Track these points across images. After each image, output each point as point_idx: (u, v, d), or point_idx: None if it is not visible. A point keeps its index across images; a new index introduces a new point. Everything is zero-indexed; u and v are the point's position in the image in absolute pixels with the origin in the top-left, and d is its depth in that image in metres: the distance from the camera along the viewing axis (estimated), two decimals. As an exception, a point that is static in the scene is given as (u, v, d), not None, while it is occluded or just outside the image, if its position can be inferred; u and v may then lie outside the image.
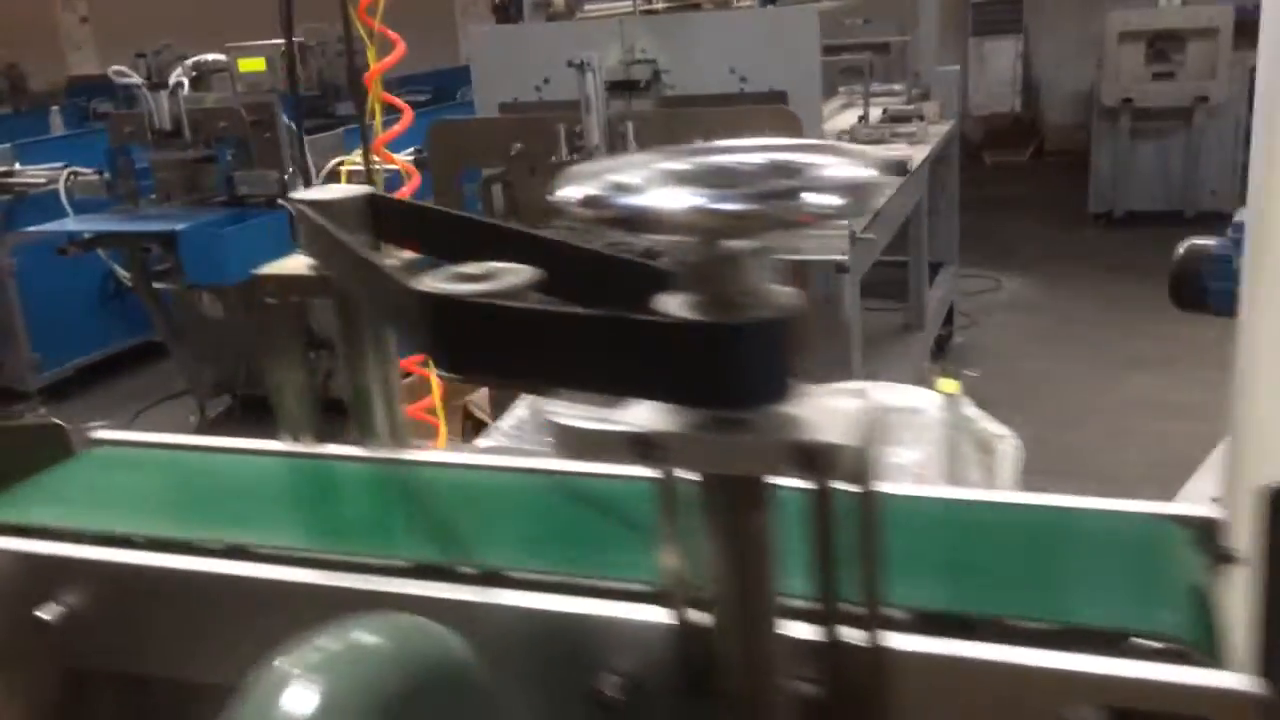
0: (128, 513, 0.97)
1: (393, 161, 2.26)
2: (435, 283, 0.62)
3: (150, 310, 5.07)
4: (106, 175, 4.96)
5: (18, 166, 5.57)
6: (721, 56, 3.18)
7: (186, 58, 6.22)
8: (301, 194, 0.98)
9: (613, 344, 0.55)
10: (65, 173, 4.98)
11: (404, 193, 2.29)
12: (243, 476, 1.07)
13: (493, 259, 0.68)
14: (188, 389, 5.61)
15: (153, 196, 4.99)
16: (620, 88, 3.11)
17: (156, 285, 4.99)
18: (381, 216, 0.97)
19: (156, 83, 4.72)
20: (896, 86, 5.92)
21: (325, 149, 4.98)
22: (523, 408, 1.88)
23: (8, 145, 5.64)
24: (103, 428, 1.15)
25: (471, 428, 3.86)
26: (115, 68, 5.00)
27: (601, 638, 0.67)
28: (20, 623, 0.85)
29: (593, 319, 0.55)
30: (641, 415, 0.57)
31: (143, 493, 1.03)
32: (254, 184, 4.71)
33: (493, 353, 0.59)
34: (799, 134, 3.11)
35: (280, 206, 4.73)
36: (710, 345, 0.53)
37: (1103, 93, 7.77)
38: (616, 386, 0.56)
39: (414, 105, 7.64)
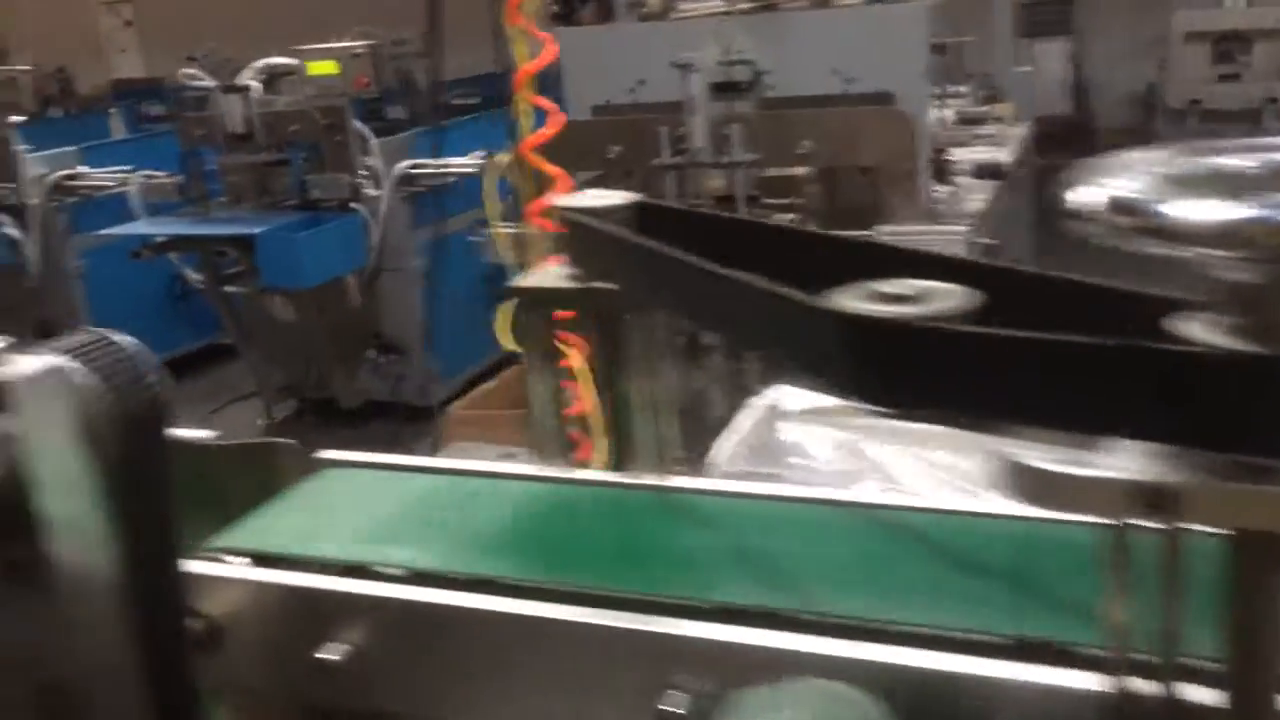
0: (388, 542, 0.91)
1: (543, 166, 2.19)
2: (857, 304, 0.56)
3: (221, 313, 5.05)
4: (178, 178, 4.95)
5: (81, 169, 5.56)
6: (824, 56, 3.11)
7: (231, 60, 6.22)
8: (568, 201, 0.91)
9: (1114, 376, 0.48)
10: (137, 176, 4.96)
11: (547, 199, 2.23)
12: (495, 501, 1.00)
13: (780, 267, 0.62)
14: (255, 391, 5.60)
15: (222, 200, 4.97)
16: (720, 89, 3.04)
17: (227, 288, 4.98)
18: (651, 223, 0.90)
19: (229, 85, 4.70)
20: (961, 88, 5.83)
21: (393, 152, 4.95)
22: (743, 428, 1.80)
23: (73, 148, 5.64)
24: (325, 450, 1.09)
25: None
26: (186, 70, 4.99)
27: (1011, 702, 0.60)
28: (296, 661, 0.79)
29: (1094, 347, 0.49)
30: (1124, 460, 0.50)
31: (394, 520, 0.96)
32: (326, 187, 4.68)
33: (943, 385, 0.53)
34: (911, 137, 3.04)
35: (352, 210, 4.70)
36: (1258, 380, 0.46)
37: (1169, 94, 7.64)
38: (1106, 425, 0.49)
39: (465, 109, 7.63)
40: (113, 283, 5.65)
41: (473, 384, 5.46)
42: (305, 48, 5.20)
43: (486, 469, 1.05)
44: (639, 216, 0.91)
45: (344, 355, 5.06)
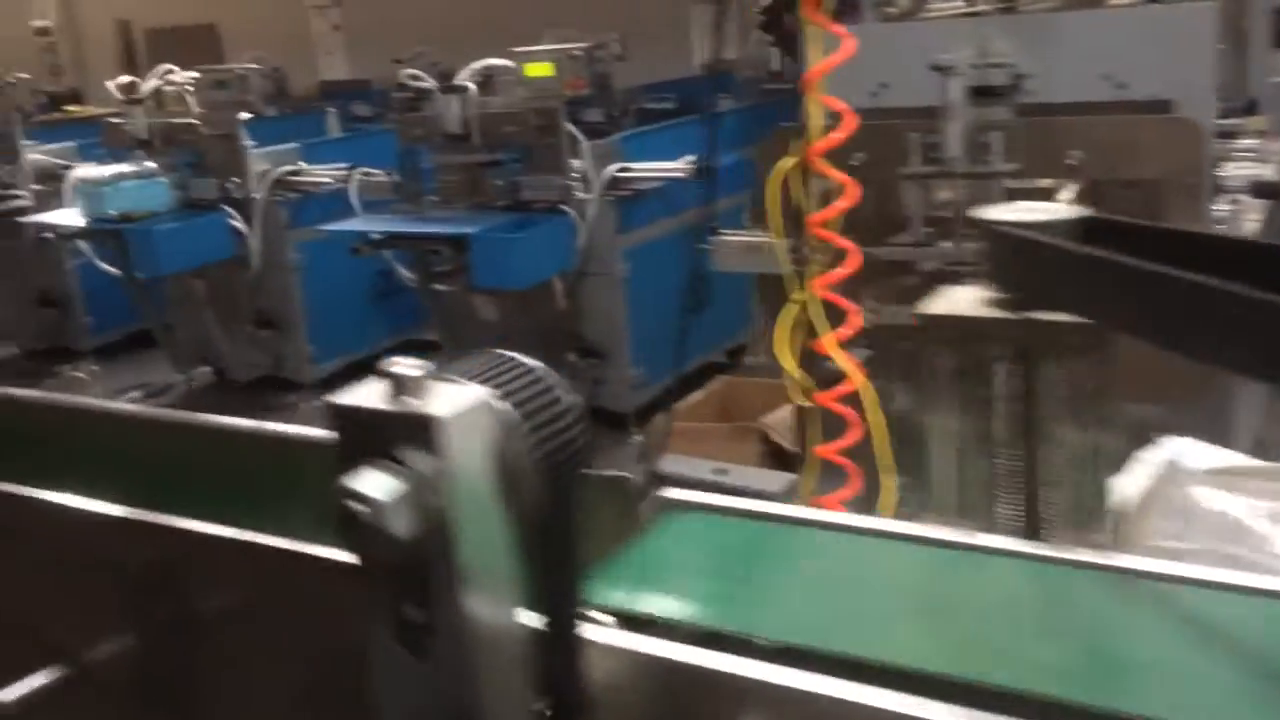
0: (757, 607, 0.78)
1: (831, 173, 2.06)
2: None
3: (430, 310, 5.10)
4: (394, 176, 5.03)
5: (302, 166, 5.74)
6: (1094, 60, 2.87)
7: (438, 63, 6.31)
8: (997, 213, 0.77)
9: None
10: (356, 173, 5.07)
11: (837, 208, 2.09)
12: (870, 560, 0.85)
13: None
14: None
15: (433, 198, 5.03)
16: (976, 94, 2.84)
17: (435, 286, 5.03)
18: (1101, 237, 0.74)
19: (449, 86, 4.75)
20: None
21: (602, 155, 4.90)
22: (1140, 486, 1.60)
23: (294, 145, 5.82)
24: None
25: (769, 454, 3.66)
26: (408, 71, 5.07)
27: None
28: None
29: None
30: None
31: (759, 580, 0.83)
32: (539, 189, 4.67)
33: None
34: (1198, 149, 2.76)
35: (561, 212, 4.67)
36: None
37: None
38: None
39: (661, 114, 7.57)
40: (324, 277, 5.82)
41: (668, 393, 5.38)
42: (521, 50, 5.21)
43: (850, 523, 0.90)
44: (1083, 230, 0.76)
45: (544, 357, 5.03)
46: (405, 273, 5.09)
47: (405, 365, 0.64)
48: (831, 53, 1.97)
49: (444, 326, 5.14)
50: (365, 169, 5.11)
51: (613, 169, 4.79)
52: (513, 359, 0.64)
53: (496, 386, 0.60)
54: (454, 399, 0.57)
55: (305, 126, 6.75)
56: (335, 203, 5.84)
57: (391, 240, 4.71)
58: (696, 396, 4.00)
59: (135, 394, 6.22)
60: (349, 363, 6.12)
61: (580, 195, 4.73)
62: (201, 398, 6.17)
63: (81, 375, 6.58)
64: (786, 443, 3.62)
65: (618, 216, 4.86)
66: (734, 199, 5.73)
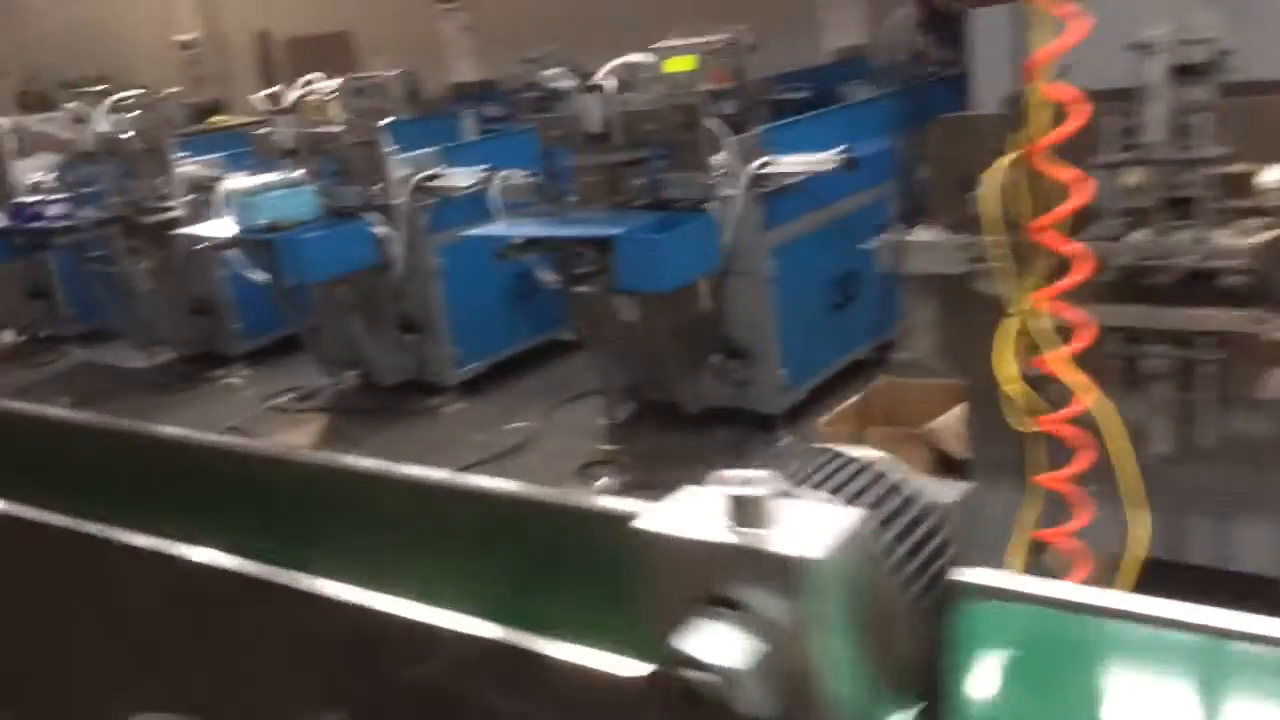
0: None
1: (1058, 172, 1.88)
2: None
3: (572, 312, 5.04)
4: (535, 178, 4.99)
5: (441, 170, 5.75)
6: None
7: (567, 62, 6.23)
8: None
9: None
10: (497, 177, 5.04)
11: (1066, 210, 1.91)
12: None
13: None
14: (596, 390, 5.60)
15: (572, 199, 4.96)
16: (1177, 73, 2.59)
17: (578, 289, 4.96)
18: None
19: (588, 85, 4.66)
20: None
21: (745, 150, 4.76)
22: None
23: (434, 149, 5.84)
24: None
25: (937, 462, 3.47)
26: (548, 71, 5.01)
27: None
28: None
29: None
30: None
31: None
32: (683, 187, 4.55)
33: None
34: None
35: (704, 210, 4.54)
36: None
37: None
38: None
39: (794, 105, 7.35)
40: (465, 279, 5.83)
41: (816, 394, 5.21)
42: (660, 45, 5.10)
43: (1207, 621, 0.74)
44: None
45: (688, 358, 4.93)
46: (547, 275, 5.03)
47: (744, 481, 0.51)
48: (1060, 36, 1.79)
49: (585, 328, 5.07)
50: (507, 171, 5.07)
51: (756, 164, 4.64)
52: (855, 460, 0.51)
53: (849, 500, 0.47)
54: (814, 526, 0.45)
55: (440, 130, 6.79)
56: (472, 206, 5.84)
57: (537, 243, 4.65)
58: (855, 400, 3.83)
59: (287, 398, 6.36)
60: (491, 364, 6.14)
61: (724, 192, 4.59)
62: (349, 400, 6.27)
63: (236, 380, 6.77)
64: (955, 450, 3.42)
65: (763, 213, 4.71)
66: (878, 190, 5.52)
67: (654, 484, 4.75)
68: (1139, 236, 2.61)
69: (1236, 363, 2.54)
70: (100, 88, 8.37)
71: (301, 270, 5.10)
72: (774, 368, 4.85)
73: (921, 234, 2.78)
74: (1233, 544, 2.82)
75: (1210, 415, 2.59)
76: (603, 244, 4.36)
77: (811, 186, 4.87)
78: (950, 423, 3.48)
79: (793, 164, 4.66)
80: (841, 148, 4.61)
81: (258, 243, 5.26)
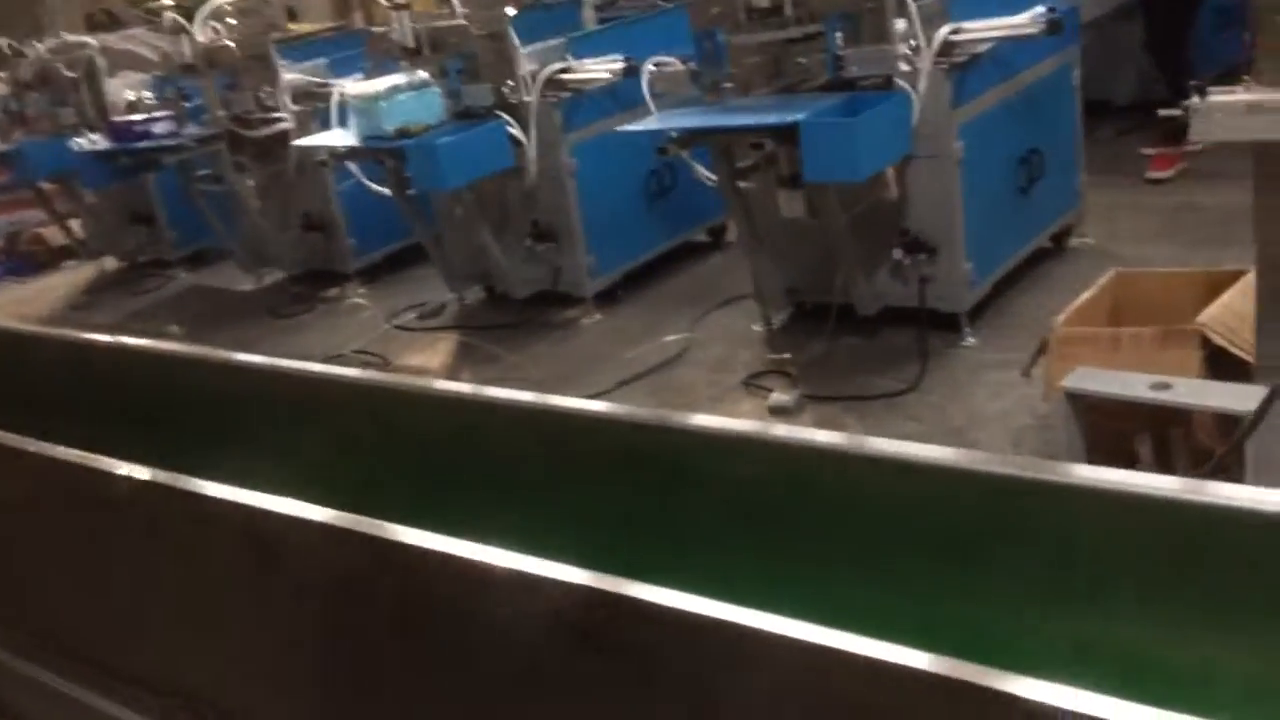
0: None
1: None
2: None
3: (734, 211, 4.63)
4: (688, 64, 4.53)
5: (572, 62, 5.30)
6: None
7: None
8: None
9: None
10: (647, 64, 4.60)
11: None
12: None
13: None
14: (743, 294, 5.22)
15: (728, 85, 4.51)
16: None
17: (740, 184, 4.55)
18: None
19: (751, -48, 4.17)
20: None
21: (931, 17, 4.25)
22: None
23: (560, 41, 5.39)
24: None
25: (1207, 361, 3.04)
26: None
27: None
28: None
29: None
30: None
31: None
32: (869, 62, 4.07)
33: None
34: None
35: (895, 88, 4.07)
36: None
37: None
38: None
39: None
40: (598, 182, 5.43)
41: (998, 289, 4.77)
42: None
43: None
44: None
45: (865, 255, 4.50)
46: (704, 171, 4.61)
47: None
48: None
49: (749, 228, 4.65)
50: (661, 58, 4.62)
51: (945, 31, 4.14)
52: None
53: None
54: None
55: (559, 19, 6.30)
56: (609, 100, 5.41)
57: (701, 135, 4.22)
58: (1089, 295, 3.39)
59: (411, 315, 6.06)
60: (626, 272, 5.77)
61: (907, 67, 4.11)
62: (478, 316, 5.95)
63: (356, 300, 6.48)
64: (1239, 347, 2.99)
65: (952, 88, 4.22)
66: (1062, 55, 4.98)
67: (835, 395, 4.39)
68: None
69: None
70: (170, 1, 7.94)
71: (440, 176, 4.73)
72: (960, 261, 4.42)
73: (1241, 95, 2.33)
74: None
75: None
76: (783, 132, 3.92)
77: (1000, 55, 4.36)
78: (1221, 315, 3.05)
79: (987, 29, 4.15)
80: (1042, 8, 4.09)
81: (387, 151, 4.89)
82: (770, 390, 4.47)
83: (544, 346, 5.42)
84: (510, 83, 5.04)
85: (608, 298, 5.70)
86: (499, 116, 5.06)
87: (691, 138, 4.24)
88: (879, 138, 3.84)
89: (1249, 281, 3.23)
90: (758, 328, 5.08)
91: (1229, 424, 3.21)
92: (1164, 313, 3.39)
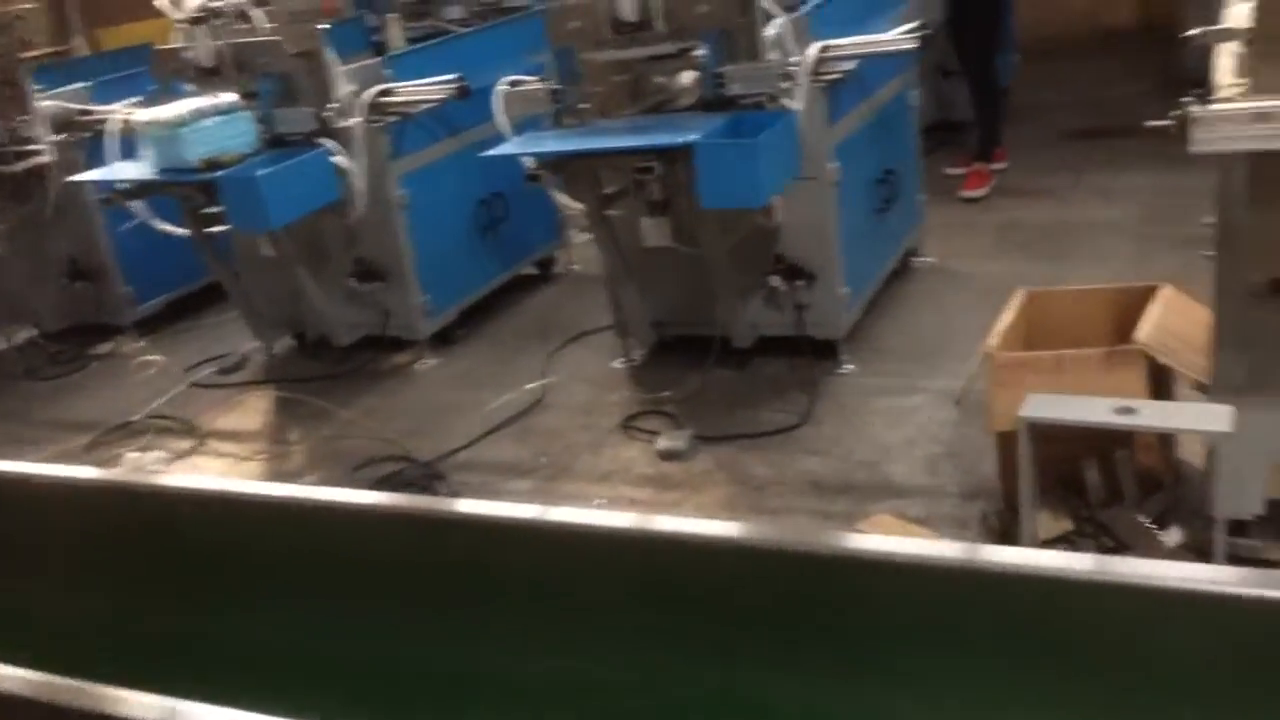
0: None
1: None
2: None
3: (601, 241, 4.28)
4: (547, 84, 4.16)
5: (395, 84, 4.80)
6: None
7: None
8: None
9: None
10: (502, 84, 4.18)
11: None
12: None
13: None
14: (596, 329, 4.89)
15: (584, 107, 4.17)
16: None
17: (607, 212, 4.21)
18: None
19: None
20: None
21: (798, 32, 4.08)
22: None
23: (379, 59, 4.88)
24: None
25: (1152, 382, 2.98)
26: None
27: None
28: None
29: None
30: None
31: None
32: (750, 80, 3.84)
33: None
34: None
35: (778, 108, 3.87)
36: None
37: None
38: None
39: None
40: (429, 214, 4.95)
41: (867, 312, 4.66)
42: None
43: None
44: None
45: (741, 284, 4.28)
46: (566, 199, 4.25)
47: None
48: None
49: (613, 257, 4.32)
50: (516, 77, 4.21)
51: (818, 46, 3.98)
52: None
53: None
54: None
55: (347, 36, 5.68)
56: (435, 125, 4.95)
57: (583, 159, 3.85)
58: (1008, 316, 3.29)
59: (209, 370, 5.33)
60: (461, 310, 5.29)
61: (786, 84, 3.92)
62: (291, 366, 5.30)
63: (141, 356, 5.63)
64: (1184, 367, 2.94)
65: (827, 107, 4.07)
66: (905, 75, 4.96)
67: (726, 435, 4.11)
68: None
69: None
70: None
71: (261, 214, 4.10)
72: (837, 285, 4.27)
73: (1245, 103, 2.24)
74: None
75: None
76: (674, 155, 3.62)
77: (862, 74, 4.25)
78: (1158, 335, 3.00)
79: (858, 45, 4.02)
80: (913, 23, 4.01)
81: (197, 185, 4.21)
82: (654, 433, 4.15)
83: (376, 399, 4.86)
84: (332, 106, 4.48)
85: (442, 339, 5.21)
86: (318, 144, 4.48)
87: (565, 162, 3.86)
88: (777, 159, 3.61)
89: (1169, 297, 3.22)
90: (618, 364, 4.76)
91: (1170, 444, 3.18)
92: (1078, 331, 3.33)
